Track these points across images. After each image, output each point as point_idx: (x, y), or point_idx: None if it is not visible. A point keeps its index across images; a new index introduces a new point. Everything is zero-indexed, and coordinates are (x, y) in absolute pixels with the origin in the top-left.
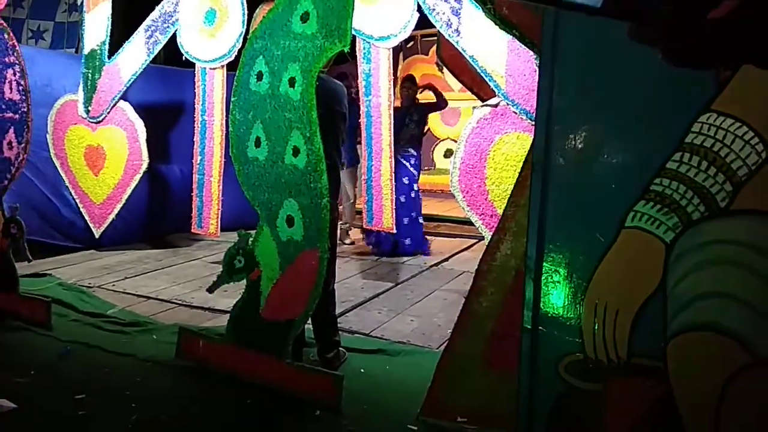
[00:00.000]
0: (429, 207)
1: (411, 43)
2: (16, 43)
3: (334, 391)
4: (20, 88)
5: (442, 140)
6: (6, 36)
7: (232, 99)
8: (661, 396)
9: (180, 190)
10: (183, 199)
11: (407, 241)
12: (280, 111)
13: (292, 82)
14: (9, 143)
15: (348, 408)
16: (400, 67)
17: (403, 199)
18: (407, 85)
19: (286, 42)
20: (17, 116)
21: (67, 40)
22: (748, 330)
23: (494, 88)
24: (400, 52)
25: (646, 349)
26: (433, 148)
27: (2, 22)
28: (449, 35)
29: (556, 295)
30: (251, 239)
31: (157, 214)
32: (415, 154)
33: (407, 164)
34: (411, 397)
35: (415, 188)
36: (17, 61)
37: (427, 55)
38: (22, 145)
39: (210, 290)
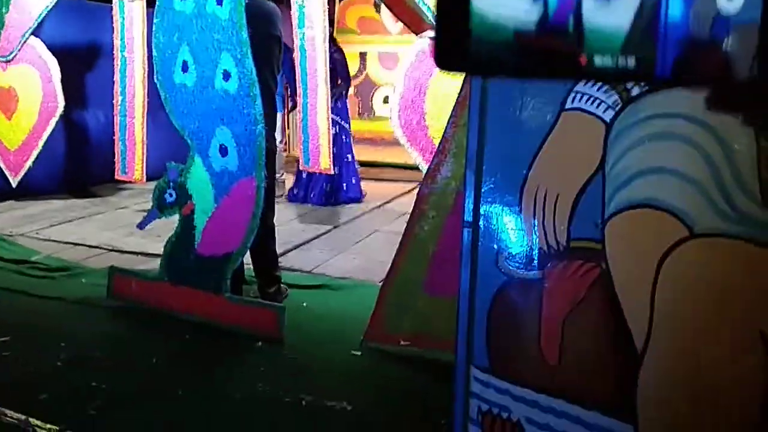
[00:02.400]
0: (368, 154)
1: None
2: None
3: (275, 323)
4: None
5: (381, 86)
6: None
7: (155, 21)
8: (598, 278)
9: (102, 137)
10: (106, 146)
11: (343, 187)
12: (208, 31)
13: (219, 0)
14: None
15: (290, 339)
16: (336, 8)
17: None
18: None
19: None
20: None
21: None
22: (685, 204)
23: (433, 21)
24: None
25: (585, 233)
26: (372, 94)
27: None
28: None
29: (496, 186)
30: (182, 171)
31: (79, 162)
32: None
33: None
34: (354, 326)
35: (345, 136)
36: None
37: None
38: None
39: (140, 226)
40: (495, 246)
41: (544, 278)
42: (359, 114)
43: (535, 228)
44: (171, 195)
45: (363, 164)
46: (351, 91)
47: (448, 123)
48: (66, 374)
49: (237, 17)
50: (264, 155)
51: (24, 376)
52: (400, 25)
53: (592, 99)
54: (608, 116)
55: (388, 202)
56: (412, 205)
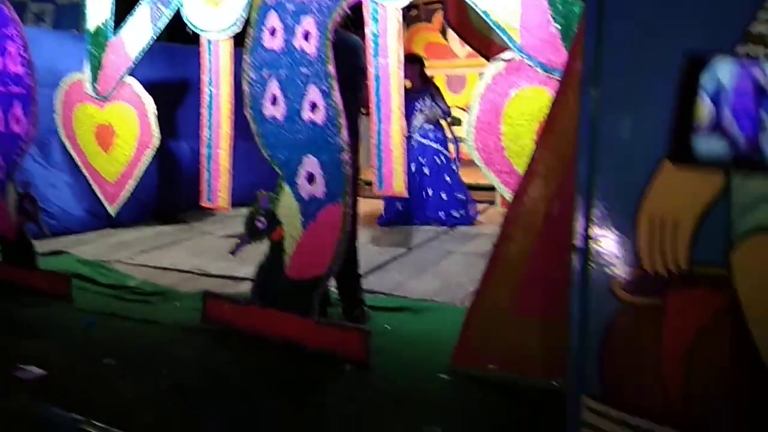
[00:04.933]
0: None
1: (414, 11)
2: (16, 16)
3: (362, 346)
4: (23, 60)
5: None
6: (5, 8)
7: (246, 58)
8: (724, 306)
9: (189, 167)
10: (193, 176)
11: (441, 214)
12: (296, 66)
13: (306, 36)
14: (16, 118)
15: (377, 362)
16: (403, 36)
17: (426, 171)
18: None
19: None
20: (22, 90)
21: (68, 22)
22: None
23: (508, 42)
24: (403, 20)
25: (708, 258)
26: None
27: None
28: None
29: (608, 210)
30: (272, 198)
31: (167, 191)
32: (432, 128)
33: (424, 140)
34: (439, 350)
35: (443, 158)
36: (18, 34)
37: (430, 23)
38: (29, 118)
39: (233, 253)
40: (608, 271)
41: (665, 305)
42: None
43: (654, 253)
44: (261, 222)
45: None
46: None
47: (537, 144)
48: (167, 397)
49: (324, 51)
50: (349, 182)
51: (130, 398)
52: (468, 48)
53: None
54: None
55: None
56: (486, 228)
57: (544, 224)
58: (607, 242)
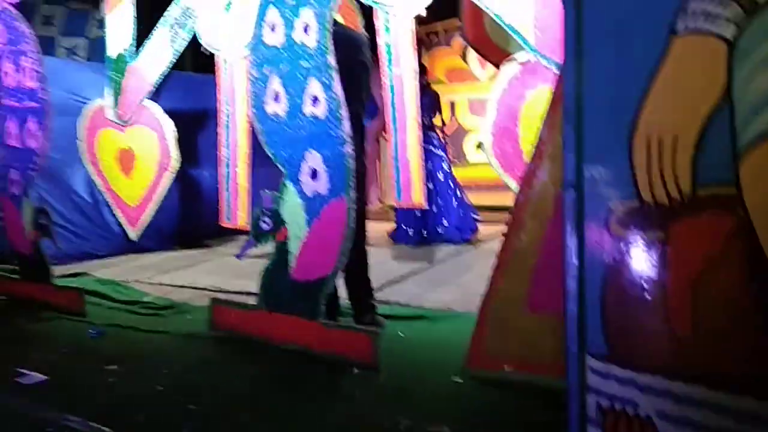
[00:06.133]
0: None
1: (434, 36)
2: (30, 31)
3: (370, 348)
4: (37, 75)
5: (471, 132)
6: (19, 24)
7: (248, 57)
8: (735, 229)
9: (211, 194)
10: (214, 202)
11: (444, 223)
12: (296, 61)
13: (306, 29)
14: (31, 133)
15: (387, 366)
16: (423, 59)
17: (430, 185)
18: None
19: None
20: (36, 104)
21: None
22: None
23: (522, 44)
24: (423, 45)
25: (714, 176)
26: (463, 141)
27: (15, 10)
28: None
29: (600, 137)
30: (276, 198)
31: (190, 217)
32: (434, 135)
33: (431, 148)
34: (454, 354)
35: (444, 169)
36: (31, 48)
37: (450, 46)
38: (44, 133)
39: (238, 256)
40: (605, 207)
41: (668, 237)
42: (451, 162)
43: (652, 179)
44: (266, 223)
45: None
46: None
47: (543, 124)
48: (165, 398)
49: (324, 43)
50: (353, 176)
51: (125, 398)
52: (488, 71)
53: (707, 16)
54: (730, 33)
55: (483, 242)
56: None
57: (555, 207)
58: (600, 174)
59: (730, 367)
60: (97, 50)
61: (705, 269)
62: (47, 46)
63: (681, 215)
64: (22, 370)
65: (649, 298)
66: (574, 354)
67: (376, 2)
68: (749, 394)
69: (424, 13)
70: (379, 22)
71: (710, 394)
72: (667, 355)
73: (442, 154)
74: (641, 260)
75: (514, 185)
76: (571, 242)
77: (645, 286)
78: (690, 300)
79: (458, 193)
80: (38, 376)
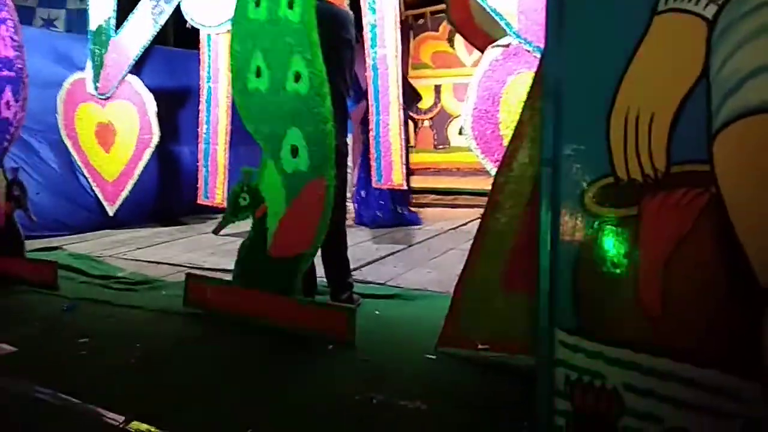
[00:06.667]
0: (446, 184)
1: (421, 20)
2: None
3: (346, 325)
4: (14, 44)
5: (455, 117)
6: None
7: (231, 31)
8: (706, 205)
9: (190, 171)
10: (193, 180)
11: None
12: (280, 36)
13: (290, 4)
14: (6, 102)
15: (362, 344)
16: (410, 44)
17: None
18: None
19: None
20: (12, 74)
21: (78, 27)
22: None
23: (505, 28)
24: (410, 29)
25: (688, 154)
26: (447, 126)
27: None
28: None
29: (579, 114)
30: (255, 174)
31: (169, 194)
32: None
33: None
34: (429, 332)
35: None
36: (9, 16)
37: (437, 31)
38: (20, 103)
39: (215, 231)
40: (581, 184)
41: (641, 214)
42: (435, 146)
43: (627, 155)
44: (245, 199)
45: (440, 192)
46: (426, 123)
47: (524, 106)
48: (138, 371)
49: (307, 19)
50: (334, 155)
51: (98, 371)
52: (474, 57)
53: None
54: (710, 12)
55: (463, 225)
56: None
57: (534, 190)
58: (577, 150)
59: (697, 341)
60: (75, 23)
61: (676, 245)
62: (25, 16)
63: (655, 192)
64: None
65: (619, 273)
66: (544, 328)
67: None
68: (715, 367)
69: None
70: (363, 3)
71: (676, 366)
72: (635, 328)
73: None
74: (614, 236)
75: (491, 167)
76: (546, 218)
77: (616, 261)
78: (660, 275)
79: None
80: (8, 348)
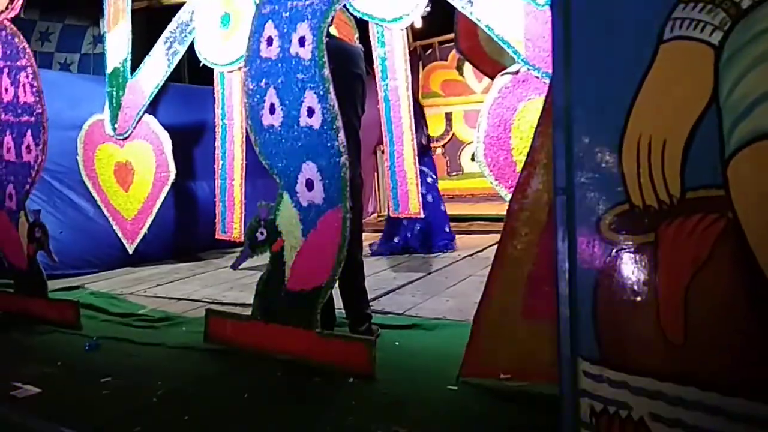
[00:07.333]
0: (460, 210)
1: (429, 50)
2: (27, 46)
3: (366, 357)
4: (34, 89)
5: (468, 144)
6: (17, 39)
7: (244, 70)
8: (724, 231)
9: (208, 206)
10: (211, 215)
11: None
12: (292, 73)
13: (302, 42)
14: (27, 147)
15: (383, 375)
16: (420, 74)
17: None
18: None
19: (293, 2)
20: (33, 119)
21: (93, 70)
22: None
23: (513, 55)
24: (419, 60)
25: (702, 180)
26: (459, 153)
27: (13, 27)
28: (462, 6)
29: (590, 143)
30: (272, 209)
31: (187, 230)
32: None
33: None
34: (450, 363)
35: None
36: (29, 63)
37: (446, 60)
38: (40, 147)
39: (234, 266)
40: (596, 211)
41: (658, 240)
42: (448, 173)
43: (641, 182)
44: (262, 233)
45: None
46: (439, 150)
47: (535, 132)
48: (160, 409)
49: (318, 56)
50: (348, 186)
51: (121, 410)
52: (484, 83)
53: (694, 23)
54: (716, 38)
55: (480, 251)
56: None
57: (550, 217)
58: (591, 178)
59: (721, 369)
60: (87, 66)
61: (695, 271)
62: (45, 63)
63: (671, 218)
64: (17, 384)
65: (640, 301)
66: (566, 357)
67: (369, 16)
68: (741, 395)
69: (418, 24)
70: (373, 37)
71: (703, 395)
72: (659, 357)
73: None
74: (632, 263)
75: (506, 194)
76: (563, 246)
77: (636, 289)
78: (681, 302)
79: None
80: (32, 389)
